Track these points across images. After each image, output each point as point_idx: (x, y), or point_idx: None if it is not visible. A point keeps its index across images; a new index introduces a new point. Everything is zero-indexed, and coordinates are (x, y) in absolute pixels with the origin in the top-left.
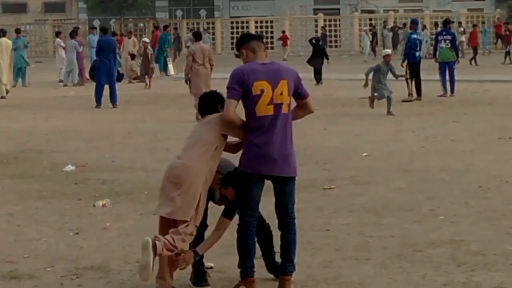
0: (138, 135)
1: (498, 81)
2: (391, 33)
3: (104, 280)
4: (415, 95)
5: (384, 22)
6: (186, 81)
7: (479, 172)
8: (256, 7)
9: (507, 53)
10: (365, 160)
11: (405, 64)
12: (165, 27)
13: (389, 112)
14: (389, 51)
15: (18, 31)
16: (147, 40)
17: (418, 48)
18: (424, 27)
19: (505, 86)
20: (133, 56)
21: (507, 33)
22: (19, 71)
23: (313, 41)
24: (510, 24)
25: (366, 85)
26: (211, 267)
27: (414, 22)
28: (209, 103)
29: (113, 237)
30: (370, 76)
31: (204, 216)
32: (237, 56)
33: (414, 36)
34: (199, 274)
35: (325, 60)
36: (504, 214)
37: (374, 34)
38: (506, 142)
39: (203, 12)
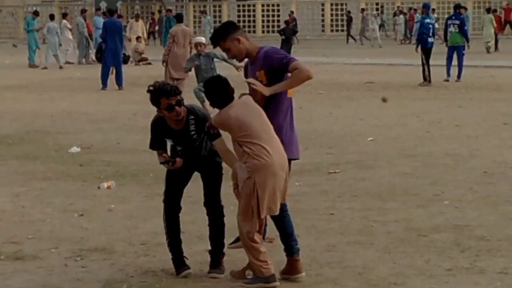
0: (143, 117)
1: (505, 67)
2: (403, 17)
3: (108, 262)
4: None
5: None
6: (162, 62)
7: (483, 158)
8: None
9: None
10: (370, 145)
11: (419, 49)
12: (169, 10)
13: None
14: (201, 38)
15: (36, 13)
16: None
17: (431, 33)
18: (433, 10)
19: (510, 72)
20: (138, 38)
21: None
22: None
23: (281, 32)
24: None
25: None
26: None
27: (426, 6)
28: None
29: (118, 219)
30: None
31: None
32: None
33: (428, 20)
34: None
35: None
36: (508, 199)
37: (350, 19)
38: (511, 128)
39: None
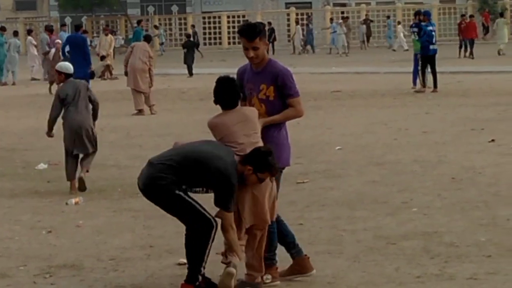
0: (111, 132)
1: (472, 72)
2: (364, 26)
3: (77, 278)
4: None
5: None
6: (125, 73)
7: (451, 164)
8: (227, 1)
9: (463, 46)
10: (338, 154)
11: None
12: (139, 22)
13: None
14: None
15: (3, 28)
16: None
17: (433, 41)
18: (399, 23)
19: (477, 78)
20: (102, 58)
21: (464, 25)
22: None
23: (183, 46)
24: (481, 15)
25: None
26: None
27: (427, 14)
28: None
29: (86, 235)
30: None
31: None
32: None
33: (430, 28)
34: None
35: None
36: (476, 205)
37: (307, 28)
38: (478, 134)
39: (175, 8)
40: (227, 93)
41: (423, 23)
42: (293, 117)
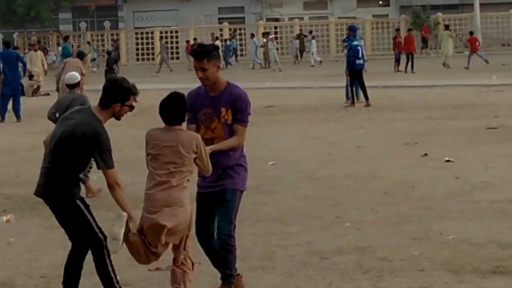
0: (43, 149)
1: (404, 86)
2: (297, 41)
3: None
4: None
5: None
6: (57, 89)
7: (384, 178)
8: (160, 17)
9: (397, 60)
10: (271, 169)
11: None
12: (66, 38)
13: None
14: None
15: None
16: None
17: (359, 55)
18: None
19: (410, 91)
20: (30, 77)
21: (399, 40)
22: None
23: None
24: (416, 30)
25: None
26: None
27: (352, 29)
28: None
29: (18, 252)
30: None
31: None
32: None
33: (356, 42)
34: None
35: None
36: (409, 219)
37: (224, 44)
38: (411, 148)
39: (107, 24)
40: (170, 109)
41: (350, 38)
42: (235, 147)
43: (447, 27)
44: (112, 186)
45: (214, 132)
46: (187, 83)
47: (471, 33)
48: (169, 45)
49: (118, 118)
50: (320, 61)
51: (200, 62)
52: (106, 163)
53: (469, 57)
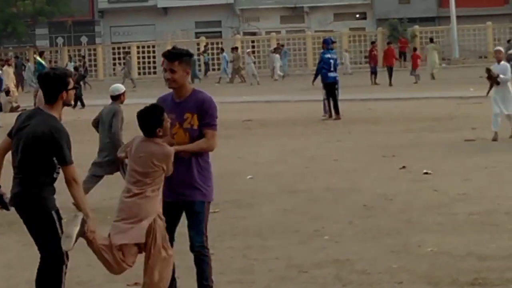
0: None
1: (381, 99)
2: (275, 55)
3: None
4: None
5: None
6: (34, 104)
7: (363, 191)
8: (137, 32)
9: (373, 73)
10: (249, 183)
11: (315, 82)
12: (41, 53)
13: None
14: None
15: None
16: None
17: (332, 68)
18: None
19: (388, 104)
20: (7, 93)
21: (375, 53)
22: None
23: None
24: (393, 43)
25: None
26: None
27: (326, 42)
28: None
29: None
30: None
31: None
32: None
33: (328, 55)
34: None
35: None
36: (388, 232)
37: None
38: (389, 160)
39: (84, 39)
40: (143, 121)
41: (324, 51)
42: (205, 150)
43: (431, 40)
44: (69, 182)
45: (173, 138)
46: None
47: (415, 49)
48: (146, 59)
49: (69, 104)
50: (283, 76)
51: (171, 63)
52: (65, 159)
53: (411, 74)
